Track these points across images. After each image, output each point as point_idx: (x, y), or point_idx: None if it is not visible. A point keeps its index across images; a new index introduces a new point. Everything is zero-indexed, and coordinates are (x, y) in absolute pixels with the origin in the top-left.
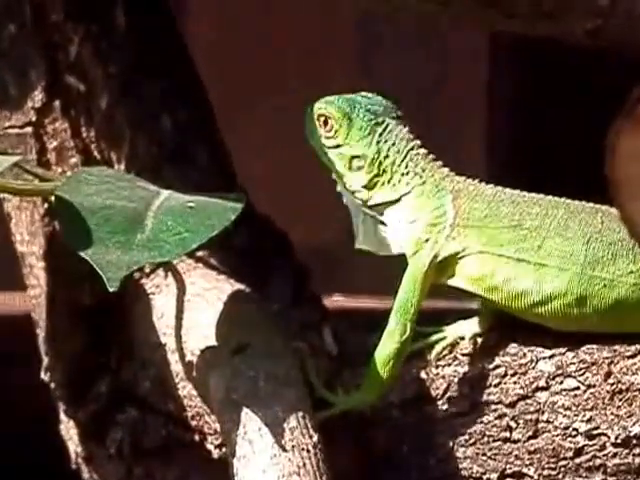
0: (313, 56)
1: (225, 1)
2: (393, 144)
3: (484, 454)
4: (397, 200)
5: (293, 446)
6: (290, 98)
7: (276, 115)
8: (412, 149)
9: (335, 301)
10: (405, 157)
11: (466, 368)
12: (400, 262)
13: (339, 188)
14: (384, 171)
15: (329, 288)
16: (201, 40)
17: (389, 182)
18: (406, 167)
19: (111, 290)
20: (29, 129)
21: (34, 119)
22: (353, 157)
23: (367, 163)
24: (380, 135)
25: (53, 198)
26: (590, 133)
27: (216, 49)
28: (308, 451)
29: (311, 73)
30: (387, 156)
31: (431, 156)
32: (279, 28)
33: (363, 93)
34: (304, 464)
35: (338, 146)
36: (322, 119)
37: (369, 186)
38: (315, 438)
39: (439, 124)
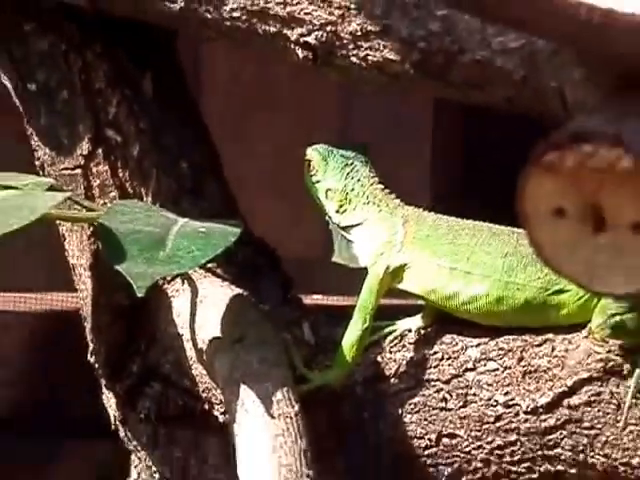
0: (299, 110)
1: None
2: (358, 180)
3: (425, 419)
4: (360, 223)
5: (279, 414)
6: (278, 141)
7: (267, 155)
8: (372, 185)
9: (314, 299)
10: (367, 191)
11: (412, 353)
12: (364, 271)
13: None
14: (350, 201)
15: (309, 289)
16: (212, 104)
17: (354, 209)
18: (367, 198)
19: (139, 295)
20: (78, 170)
21: (82, 163)
22: (328, 189)
23: (337, 194)
24: (348, 174)
25: (97, 224)
26: (513, 174)
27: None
28: (291, 418)
29: (296, 124)
30: (353, 189)
31: (387, 190)
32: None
33: (345, 144)
34: (287, 428)
35: (318, 181)
36: (307, 162)
37: (339, 211)
38: (296, 408)
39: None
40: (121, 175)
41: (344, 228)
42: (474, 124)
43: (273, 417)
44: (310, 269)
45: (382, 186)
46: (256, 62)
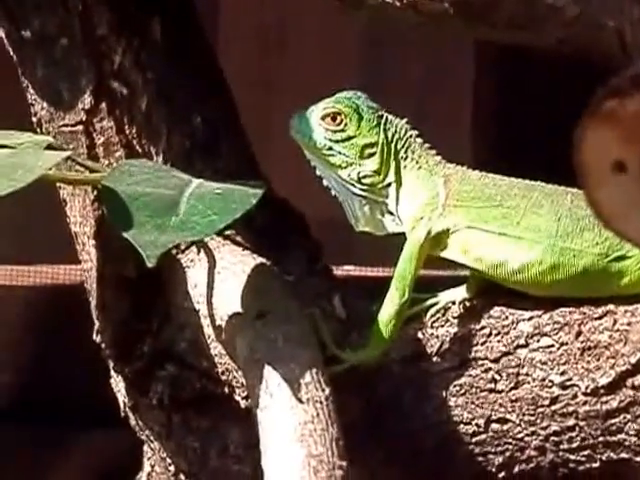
0: (320, 60)
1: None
2: (395, 132)
3: (473, 403)
4: (396, 183)
5: (308, 399)
6: (303, 96)
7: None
8: (411, 137)
9: (346, 270)
10: (405, 144)
11: (456, 329)
12: (402, 237)
13: (327, 183)
14: (390, 156)
15: (342, 257)
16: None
17: (394, 167)
18: (405, 153)
19: (149, 266)
20: (80, 127)
21: (84, 118)
22: (365, 146)
23: (379, 149)
24: (385, 125)
25: (100, 187)
26: (564, 127)
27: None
28: (321, 403)
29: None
30: (391, 142)
31: (426, 145)
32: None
33: (350, 92)
34: (317, 414)
35: (349, 138)
36: (330, 116)
37: (379, 170)
38: (327, 391)
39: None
40: (127, 132)
41: (381, 189)
42: (515, 80)
43: (301, 402)
44: (342, 233)
45: (421, 140)
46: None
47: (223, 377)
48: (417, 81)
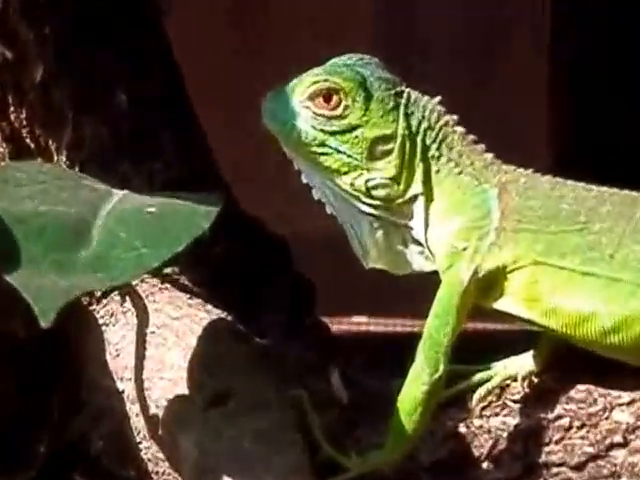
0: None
1: None
2: (423, 118)
3: None
4: (425, 196)
5: None
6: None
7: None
8: (445, 125)
9: (356, 324)
10: (437, 137)
11: (518, 419)
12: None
13: (319, 195)
14: (409, 158)
15: (342, 301)
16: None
17: (422, 172)
18: (438, 150)
19: (44, 325)
20: None
21: None
22: (377, 139)
23: (397, 145)
24: (406, 107)
25: None
26: None
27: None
28: None
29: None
30: (417, 134)
31: (471, 137)
32: None
33: (353, 56)
34: None
35: (352, 128)
36: (322, 95)
37: (398, 177)
38: None
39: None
40: (13, 117)
41: (400, 206)
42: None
43: None
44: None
45: (462, 129)
46: None
47: None
48: (455, 41)
